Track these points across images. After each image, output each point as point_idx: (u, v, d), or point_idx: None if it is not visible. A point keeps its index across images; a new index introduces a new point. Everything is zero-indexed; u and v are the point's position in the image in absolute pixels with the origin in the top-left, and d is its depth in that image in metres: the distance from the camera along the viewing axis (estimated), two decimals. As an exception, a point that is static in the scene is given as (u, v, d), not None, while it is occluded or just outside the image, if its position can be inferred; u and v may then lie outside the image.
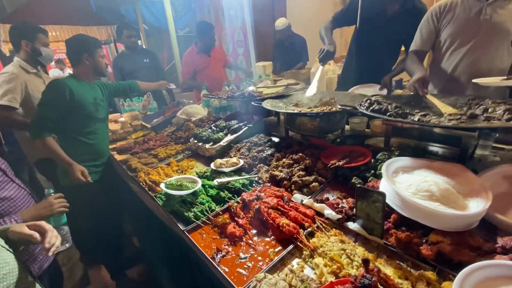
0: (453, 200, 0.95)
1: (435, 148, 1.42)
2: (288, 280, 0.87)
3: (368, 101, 1.50)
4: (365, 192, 1.01)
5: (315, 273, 0.92)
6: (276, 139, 2.03)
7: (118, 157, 2.31)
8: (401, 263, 0.92)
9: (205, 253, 1.06)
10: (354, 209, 1.15)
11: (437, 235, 0.95)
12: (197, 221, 1.24)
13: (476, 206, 0.93)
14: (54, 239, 1.05)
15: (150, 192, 1.58)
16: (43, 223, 1.07)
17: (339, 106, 1.60)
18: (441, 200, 0.94)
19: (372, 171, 1.35)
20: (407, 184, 1.03)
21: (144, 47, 5.48)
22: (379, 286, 0.78)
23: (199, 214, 1.28)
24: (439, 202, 0.94)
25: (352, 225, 1.09)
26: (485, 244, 0.86)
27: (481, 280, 0.73)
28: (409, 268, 0.90)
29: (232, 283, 0.91)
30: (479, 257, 0.84)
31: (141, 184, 1.71)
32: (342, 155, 1.50)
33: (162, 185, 1.44)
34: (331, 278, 0.87)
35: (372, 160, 1.41)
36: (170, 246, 1.51)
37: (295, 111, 1.76)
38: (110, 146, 2.55)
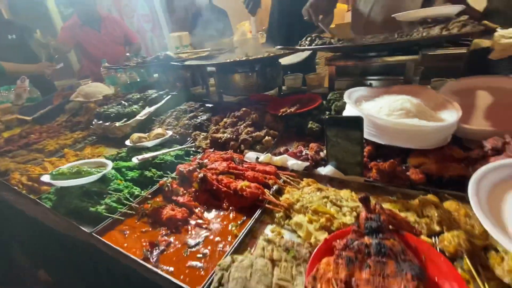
0: (429, 114, 0.84)
1: (379, 81, 1.35)
2: (268, 255, 0.59)
3: (309, 39, 1.31)
4: (336, 122, 0.80)
5: (299, 236, 0.67)
6: (210, 105, 1.69)
7: (-22, 164, 1.54)
8: (389, 197, 0.76)
9: (131, 255, 0.67)
10: (323, 153, 0.95)
11: (417, 157, 0.82)
12: (112, 215, 0.82)
13: (451, 117, 0.83)
14: None
15: (31, 196, 1.04)
16: None
17: (278, 47, 1.37)
18: (418, 115, 0.81)
19: (328, 112, 1.18)
20: (378, 108, 0.87)
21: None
22: (389, 226, 0.58)
23: (114, 205, 0.85)
24: (417, 118, 0.81)
25: (323, 170, 0.88)
26: (471, 152, 0.77)
27: (495, 182, 0.61)
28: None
29: (184, 286, 0.57)
30: (469, 167, 0.74)
31: (16, 188, 1.12)
32: (290, 103, 1.29)
33: (46, 177, 0.93)
34: (323, 235, 0.63)
35: (324, 102, 1.24)
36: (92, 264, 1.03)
37: (228, 61, 1.44)
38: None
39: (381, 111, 0.85)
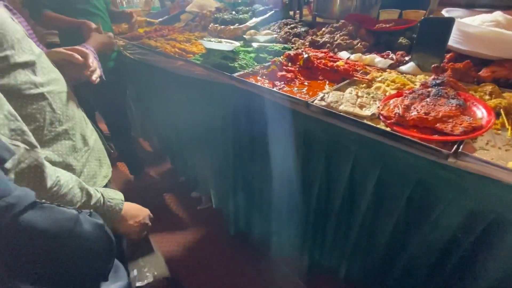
0: (518, 29, 0.96)
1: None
2: (354, 93, 0.91)
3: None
4: (429, 23, 1.00)
5: (378, 94, 0.96)
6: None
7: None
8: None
9: (262, 85, 1.07)
10: (407, 58, 1.16)
11: (493, 66, 0.98)
12: (244, 70, 1.22)
13: (540, 34, 0.94)
14: (96, 63, 0.97)
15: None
16: (79, 48, 0.98)
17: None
18: (506, 28, 0.95)
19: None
20: (471, 20, 1.02)
21: None
22: (449, 89, 0.82)
23: (244, 65, 1.25)
24: (505, 30, 0.94)
25: (404, 67, 1.11)
26: (544, 63, 0.91)
27: None
28: (464, 92, 0.95)
29: (300, 98, 0.94)
30: (537, 73, 0.89)
31: (169, 54, 1.62)
32: (386, 22, 1.45)
33: (202, 41, 1.37)
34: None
35: (418, 24, 1.37)
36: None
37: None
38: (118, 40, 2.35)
39: (473, 22, 1.00)
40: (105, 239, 0.56)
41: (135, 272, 1.81)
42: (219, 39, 1.41)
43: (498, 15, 0.98)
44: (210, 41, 1.37)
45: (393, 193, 0.76)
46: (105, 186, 0.90)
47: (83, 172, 0.78)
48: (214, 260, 1.71)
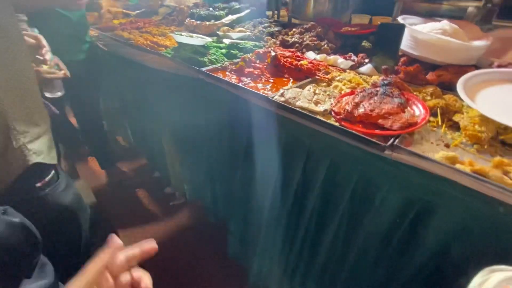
0: (462, 37, 1.05)
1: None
2: (312, 90, 0.96)
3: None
4: (385, 28, 1.07)
5: (335, 92, 1.02)
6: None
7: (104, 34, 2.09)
8: (406, 92, 1.05)
9: (228, 80, 1.09)
10: (367, 60, 1.23)
11: (440, 71, 1.07)
12: (213, 64, 1.24)
13: (480, 43, 1.04)
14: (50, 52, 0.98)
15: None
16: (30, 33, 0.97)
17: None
18: (452, 36, 1.04)
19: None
20: (421, 27, 1.10)
21: None
22: (395, 89, 0.89)
23: (213, 60, 1.27)
24: (450, 37, 1.03)
25: (363, 69, 1.18)
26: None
27: (479, 81, 0.87)
28: (413, 93, 1.03)
29: (262, 94, 0.97)
30: (475, 78, 0.98)
31: (140, 46, 1.61)
32: (352, 26, 1.53)
33: (173, 34, 1.38)
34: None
35: (381, 30, 1.46)
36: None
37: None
38: (91, 31, 2.28)
39: (424, 29, 1.08)
40: (23, 237, 0.52)
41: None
42: (191, 34, 1.41)
43: (445, 24, 1.07)
44: (181, 35, 1.38)
45: (339, 186, 0.81)
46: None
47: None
48: (181, 255, 1.72)
